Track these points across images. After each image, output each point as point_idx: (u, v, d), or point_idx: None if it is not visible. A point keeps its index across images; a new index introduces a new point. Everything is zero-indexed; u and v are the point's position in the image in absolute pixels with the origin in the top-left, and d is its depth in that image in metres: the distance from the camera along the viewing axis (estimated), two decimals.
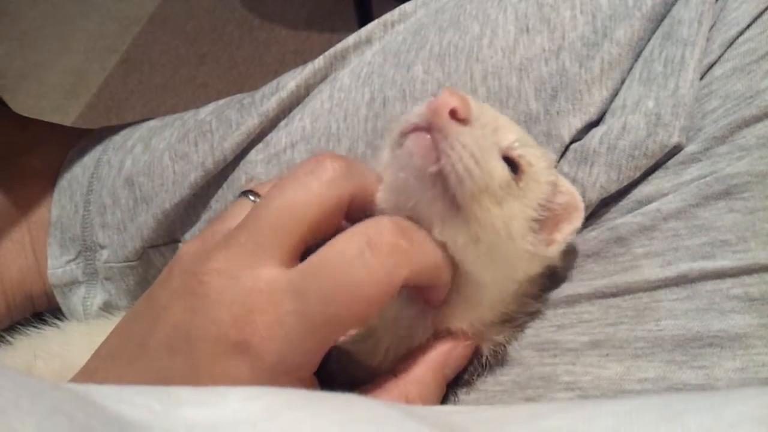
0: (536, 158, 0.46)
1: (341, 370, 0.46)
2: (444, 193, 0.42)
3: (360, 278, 0.39)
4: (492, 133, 0.44)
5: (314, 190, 0.42)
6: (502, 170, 0.44)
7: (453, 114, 0.41)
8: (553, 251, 0.47)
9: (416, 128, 0.42)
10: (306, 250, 0.43)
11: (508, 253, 0.45)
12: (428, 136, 0.42)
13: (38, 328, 0.60)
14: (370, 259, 0.40)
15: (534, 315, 0.49)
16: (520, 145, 0.46)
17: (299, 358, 0.40)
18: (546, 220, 0.47)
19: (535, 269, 0.48)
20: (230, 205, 0.48)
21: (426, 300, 0.45)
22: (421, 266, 0.42)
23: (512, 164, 0.45)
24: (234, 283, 0.40)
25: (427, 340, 0.46)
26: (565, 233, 0.47)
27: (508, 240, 0.44)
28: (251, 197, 0.47)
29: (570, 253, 0.50)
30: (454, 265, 0.44)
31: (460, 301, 0.46)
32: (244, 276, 0.41)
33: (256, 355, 0.39)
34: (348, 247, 0.40)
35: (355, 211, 0.44)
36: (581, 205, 0.48)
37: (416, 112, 0.43)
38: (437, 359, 0.45)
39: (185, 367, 0.40)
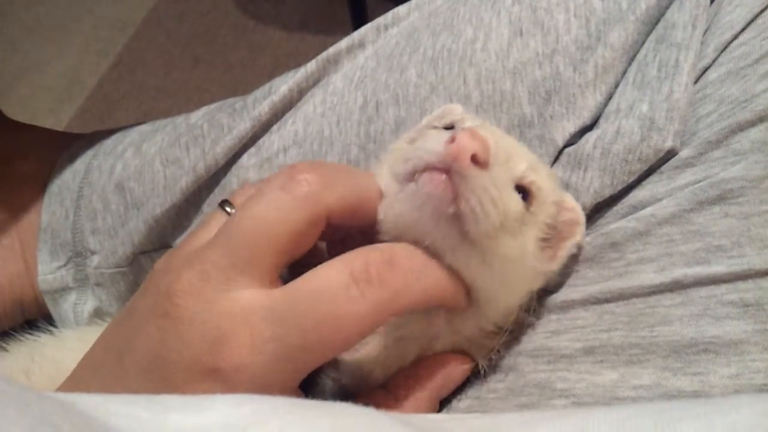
0: (544, 181, 0.46)
1: (333, 381, 0.46)
2: (459, 230, 0.41)
3: (344, 311, 0.39)
4: (505, 165, 0.43)
5: (285, 208, 0.41)
6: (516, 204, 0.43)
7: (474, 159, 0.40)
8: (556, 265, 0.48)
9: (432, 168, 0.41)
10: (291, 265, 0.42)
11: (519, 274, 0.46)
12: (444, 177, 0.40)
13: (33, 335, 0.59)
14: (356, 293, 0.39)
15: (527, 327, 0.49)
16: (531, 171, 0.45)
17: (276, 384, 0.39)
18: (551, 238, 0.47)
19: (539, 284, 0.48)
20: (205, 217, 0.47)
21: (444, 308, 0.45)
22: (415, 298, 0.41)
23: (523, 191, 0.44)
24: (207, 306, 0.40)
25: (424, 353, 0.46)
26: (567, 247, 0.47)
27: (520, 264, 0.45)
28: (227, 208, 0.46)
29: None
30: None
31: (464, 315, 0.46)
32: (218, 298, 0.40)
33: (229, 381, 0.38)
34: (334, 278, 0.40)
35: (346, 219, 0.43)
36: (583, 220, 0.48)
37: (432, 150, 0.41)
38: (436, 382, 0.45)
39: (160, 389, 0.39)
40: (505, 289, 0.46)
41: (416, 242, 0.42)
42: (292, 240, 0.41)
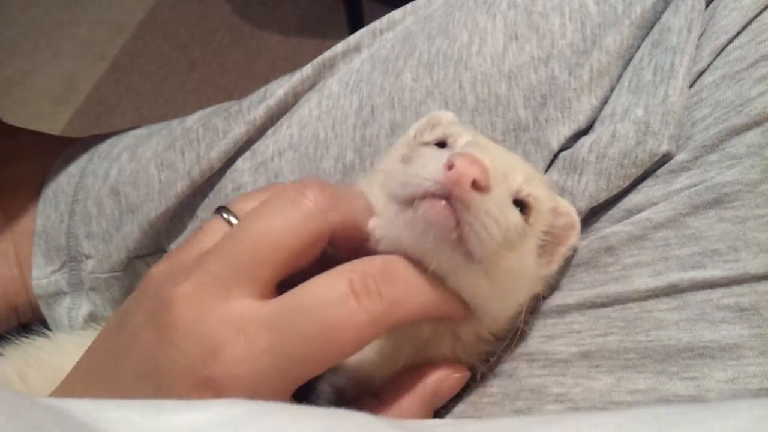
0: (540, 190, 0.46)
1: (330, 386, 0.46)
2: (463, 253, 0.41)
3: (342, 322, 0.39)
4: (504, 182, 0.43)
5: (294, 221, 0.41)
6: (516, 219, 0.43)
7: (474, 185, 0.39)
8: (554, 268, 0.48)
9: (431, 195, 0.41)
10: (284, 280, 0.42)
11: (520, 284, 0.46)
12: (445, 203, 0.40)
13: (28, 338, 0.59)
14: (354, 304, 0.39)
15: (523, 334, 0.49)
16: (527, 183, 0.45)
17: (269, 394, 0.39)
18: (547, 243, 0.47)
19: (537, 289, 0.48)
20: (203, 224, 0.46)
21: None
22: (413, 310, 0.42)
23: (521, 204, 0.45)
24: (203, 314, 0.39)
25: (420, 357, 0.46)
26: (564, 251, 0.48)
27: (521, 275, 0.45)
28: (225, 215, 0.46)
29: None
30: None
31: (465, 324, 0.46)
32: (215, 306, 0.40)
33: (222, 391, 0.38)
34: (332, 288, 0.40)
35: (343, 240, 0.44)
36: (578, 223, 0.48)
37: (430, 177, 0.41)
38: (426, 390, 0.45)
39: (154, 396, 0.39)
40: (507, 300, 0.46)
41: (418, 264, 0.42)
42: (296, 254, 0.41)
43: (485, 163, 0.40)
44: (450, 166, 0.39)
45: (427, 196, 0.41)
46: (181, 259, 0.43)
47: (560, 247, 0.47)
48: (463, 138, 0.46)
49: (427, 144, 0.47)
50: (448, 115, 0.51)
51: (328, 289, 0.40)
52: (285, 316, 0.39)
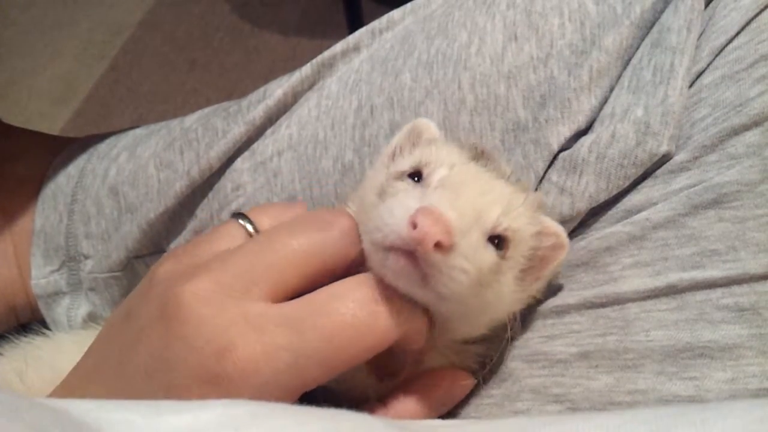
0: (519, 218, 0.45)
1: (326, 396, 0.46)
2: (435, 294, 0.42)
3: (365, 325, 0.40)
4: (476, 224, 0.43)
5: (330, 240, 0.43)
6: (490, 258, 0.43)
7: (437, 245, 0.39)
8: (539, 286, 0.48)
9: (398, 248, 0.41)
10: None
11: (494, 310, 0.46)
12: (409, 259, 0.40)
13: (27, 337, 0.59)
14: (379, 309, 0.40)
15: (515, 337, 0.49)
16: (504, 216, 0.44)
17: (280, 395, 0.39)
18: (532, 265, 0.47)
19: (518, 307, 0.48)
20: (219, 226, 0.47)
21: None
22: (411, 328, 0.43)
23: (498, 238, 0.44)
24: (217, 312, 0.40)
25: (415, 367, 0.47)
26: (551, 270, 0.47)
27: (496, 303, 0.45)
28: (242, 221, 0.46)
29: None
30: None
31: (446, 339, 0.47)
32: (230, 305, 0.40)
33: (233, 389, 0.38)
34: (358, 293, 0.41)
35: (349, 270, 0.44)
36: (567, 243, 0.47)
37: (397, 231, 0.40)
38: (431, 396, 0.45)
39: (162, 394, 0.39)
40: (483, 323, 0.47)
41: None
42: (321, 271, 0.43)
43: (450, 222, 0.40)
44: (414, 225, 0.39)
45: (393, 248, 0.41)
46: (190, 258, 0.43)
47: (547, 266, 0.47)
48: (437, 172, 0.45)
49: (402, 175, 0.47)
50: (431, 130, 0.51)
51: (353, 293, 0.41)
52: (306, 316, 0.40)
